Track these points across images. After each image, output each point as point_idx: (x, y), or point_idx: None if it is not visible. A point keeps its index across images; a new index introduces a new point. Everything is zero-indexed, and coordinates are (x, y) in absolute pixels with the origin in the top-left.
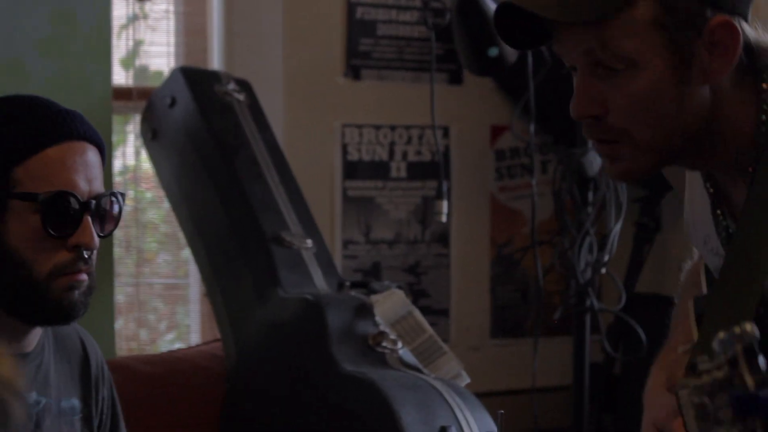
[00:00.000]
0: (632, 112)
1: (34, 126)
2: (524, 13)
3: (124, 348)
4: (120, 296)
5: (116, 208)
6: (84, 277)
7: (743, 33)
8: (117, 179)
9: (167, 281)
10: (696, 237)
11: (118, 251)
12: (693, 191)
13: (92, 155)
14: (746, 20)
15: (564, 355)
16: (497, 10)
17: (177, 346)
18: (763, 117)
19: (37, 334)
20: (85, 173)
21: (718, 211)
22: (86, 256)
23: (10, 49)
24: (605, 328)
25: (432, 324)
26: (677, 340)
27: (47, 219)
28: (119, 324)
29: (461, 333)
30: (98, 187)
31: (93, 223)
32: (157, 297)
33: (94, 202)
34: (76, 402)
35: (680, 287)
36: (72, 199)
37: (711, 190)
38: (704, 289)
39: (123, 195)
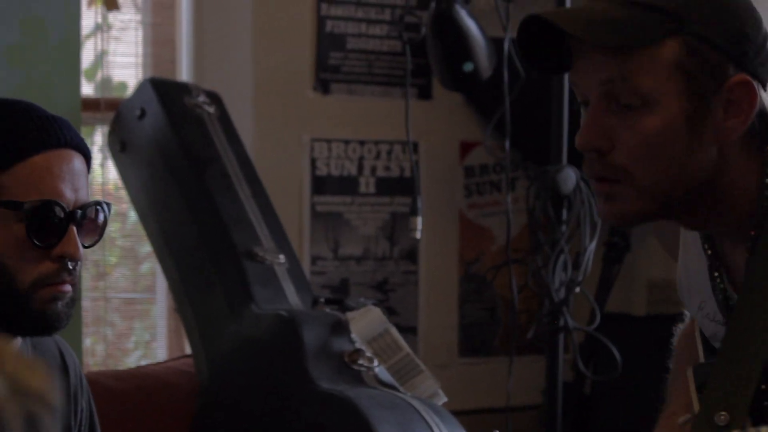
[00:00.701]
0: (639, 151)
1: (20, 132)
2: (548, 34)
3: (84, 363)
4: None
5: (101, 218)
6: (68, 288)
7: (760, 99)
8: None
9: (126, 296)
10: (691, 302)
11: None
12: (688, 254)
13: (79, 164)
14: (764, 87)
15: (535, 374)
16: (523, 23)
17: (144, 362)
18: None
19: (15, 344)
20: (72, 182)
21: (716, 274)
22: (71, 267)
23: None
24: (577, 348)
25: None
26: (676, 406)
27: (32, 228)
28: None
29: (429, 351)
30: (84, 196)
31: (78, 234)
32: (115, 311)
33: (80, 212)
34: None
35: (674, 350)
36: (57, 209)
37: (709, 252)
38: (701, 355)
39: (109, 205)
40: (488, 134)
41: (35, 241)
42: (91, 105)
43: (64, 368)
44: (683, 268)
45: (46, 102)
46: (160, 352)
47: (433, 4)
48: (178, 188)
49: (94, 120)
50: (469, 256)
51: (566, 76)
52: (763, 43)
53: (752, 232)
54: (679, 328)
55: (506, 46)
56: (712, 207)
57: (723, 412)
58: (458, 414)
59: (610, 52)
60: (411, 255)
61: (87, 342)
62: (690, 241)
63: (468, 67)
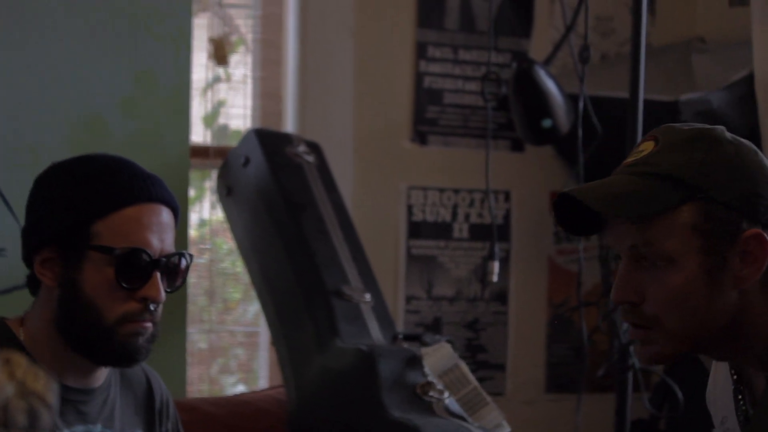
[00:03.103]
0: (666, 303)
1: (118, 185)
2: (581, 204)
3: (206, 391)
4: (202, 344)
5: (183, 265)
6: (149, 325)
7: None
8: (196, 232)
9: (248, 329)
10: (715, 415)
11: (202, 300)
12: (718, 373)
13: (166, 217)
14: None
15: (610, 411)
16: (557, 200)
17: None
18: None
19: (104, 372)
20: (159, 233)
21: (740, 396)
22: (152, 309)
23: (93, 107)
24: (652, 386)
25: (489, 378)
26: None
27: (121, 272)
28: (201, 369)
29: (517, 387)
30: (169, 246)
31: (161, 279)
32: (239, 345)
33: (164, 260)
34: None
35: None
36: (144, 256)
37: (735, 377)
38: None
39: (191, 255)
40: (570, 186)
41: (123, 284)
42: (201, 152)
43: (150, 392)
44: (713, 382)
45: (158, 149)
46: (262, 382)
47: (514, 64)
48: (276, 231)
49: (204, 165)
50: (557, 298)
51: (640, 127)
52: None
53: None
54: None
55: (581, 103)
56: (736, 342)
57: None
58: None
59: (632, 222)
60: (501, 296)
61: (213, 371)
62: (720, 362)
63: (547, 123)
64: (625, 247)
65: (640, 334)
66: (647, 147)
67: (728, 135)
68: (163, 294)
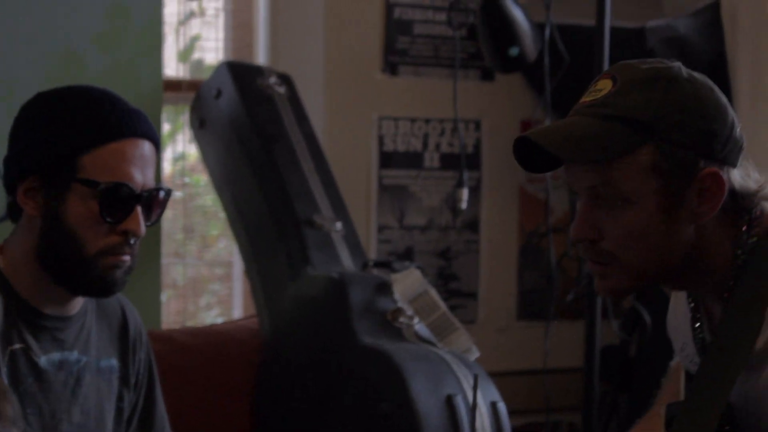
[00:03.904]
0: (623, 241)
1: (104, 119)
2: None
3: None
4: (180, 278)
5: (162, 201)
6: (127, 258)
7: (729, 180)
8: (172, 167)
9: (225, 264)
10: (675, 342)
11: (179, 235)
12: (677, 302)
13: (149, 151)
14: (734, 165)
15: (580, 338)
16: (516, 143)
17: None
18: (739, 251)
19: (80, 300)
20: (142, 167)
21: (697, 325)
22: (132, 242)
23: (68, 43)
24: (622, 312)
25: (461, 306)
26: (657, 411)
27: (104, 205)
28: (179, 304)
29: (489, 315)
30: (150, 180)
31: (142, 213)
32: (216, 280)
33: (145, 194)
34: (114, 362)
35: (668, 374)
36: (127, 190)
37: (692, 305)
38: (682, 392)
39: (170, 190)
40: (539, 112)
41: (106, 218)
42: (174, 86)
43: (124, 322)
44: (672, 310)
45: (132, 83)
46: (236, 312)
47: None
48: (248, 162)
49: (178, 99)
50: (529, 227)
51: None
52: (729, 133)
53: (726, 294)
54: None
55: (547, 31)
56: (692, 275)
57: None
58: (515, 374)
59: (590, 164)
60: (472, 225)
61: (191, 306)
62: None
63: (514, 51)
64: (583, 187)
65: (598, 269)
66: (605, 86)
67: (685, 73)
68: (143, 228)
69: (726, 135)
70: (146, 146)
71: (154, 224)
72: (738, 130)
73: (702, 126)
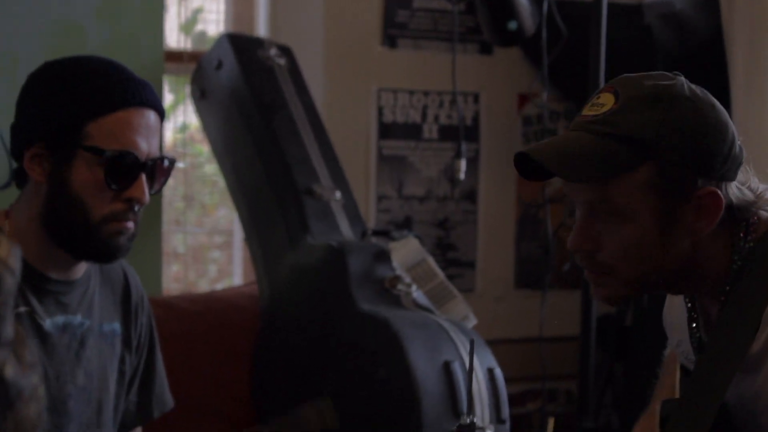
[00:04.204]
0: (620, 254)
1: (110, 88)
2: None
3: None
4: (180, 247)
5: (166, 170)
6: (131, 225)
7: (727, 196)
8: (175, 136)
9: (225, 232)
10: (671, 338)
11: (179, 204)
12: (673, 298)
13: (155, 121)
14: (733, 180)
15: (577, 307)
16: (516, 156)
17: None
18: (736, 257)
19: (84, 265)
20: (147, 136)
21: (694, 325)
22: (136, 209)
23: (70, 14)
24: None
25: (459, 275)
26: (654, 409)
27: (110, 173)
28: (176, 269)
29: (486, 284)
30: (155, 149)
31: (146, 181)
32: (216, 248)
33: (150, 162)
34: (117, 326)
35: (663, 364)
36: (133, 158)
37: (689, 305)
38: (677, 385)
39: (173, 159)
40: (536, 86)
41: (111, 185)
42: (176, 57)
43: (127, 287)
44: (668, 306)
45: (133, 54)
46: (237, 279)
47: None
48: (248, 132)
49: (179, 70)
50: (527, 198)
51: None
52: (729, 151)
53: (723, 297)
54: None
55: (545, 6)
56: (689, 282)
57: None
58: (512, 341)
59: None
60: (471, 196)
61: (191, 274)
62: None
63: (512, 25)
64: (582, 201)
65: (595, 278)
66: (607, 101)
67: (687, 90)
68: (147, 195)
69: (725, 153)
70: (152, 116)
71: (158, 192)
72: (738, 145)
73: (701, 145)
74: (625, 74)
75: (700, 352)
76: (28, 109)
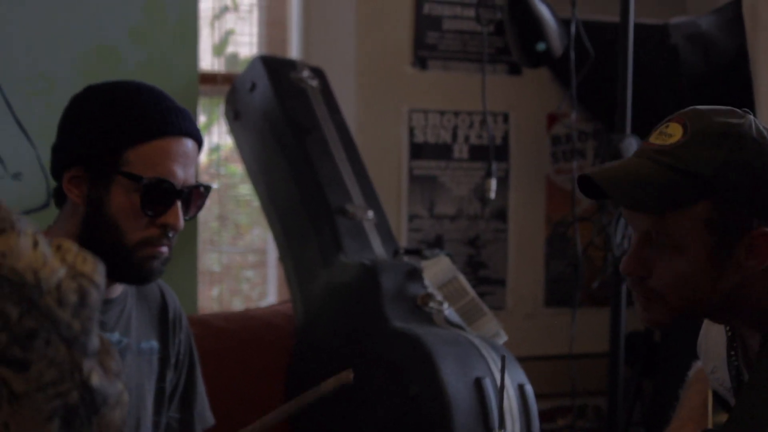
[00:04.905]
0: (670, 284)
1: (151, 116)
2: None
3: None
4: (215, 266)
5: (202, 197)
6: (165, 250)
7: None
8: (208, 158)
9: (258, 252)
10: (705, 365)
11: (214, 224)
12: (710, 325)
13: (192, 150)
14: None
15: (606, 324)
16: (580, 179)
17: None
18: None
19: (120, 285)
20: (184, 165)
21: (732, 353)
22: (171, 235)
23: (104, 36)
24: None
25: (490, 293)
26: (677, 425)
27: (146, 199)
28: (215, 292)
29: (517, 301)
30: (191, 177)
31: (182, 208)
32: (249, 267)
33: (186, 190)
34: (154, 343)
35: (686, 385)
36: (168, 186)
37: (729, 333)
38: (710, 405)
39: (209, 187)
40: (564, 106)
41: (147, 211)
42: (210, 79)
43: (164, 306)
44: (705, 331)
45: (167, 76)
46: (271, 299)
47: None
48: (281, 152)
49: (214, 92)
50: (556, 217)
51: (630, 50)
52: None
53: (767, 331)
54: (697, 364)
55: (573, 27)
56: (734, 312)
57: None
58: (542, 359)
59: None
60: (501, 215)
61: (225, 295)
62: None
63: (541, 46)
64: (639, 229)
65: (643, 301)
66: (675, 132)
67: (754, 131)
68: (182, 222)
69: None
70: (189, 144)
71: (193, 218)
72: None
73: (761, 187)
74: (697, 107)
75: (738, 381)
76: (69, 132)
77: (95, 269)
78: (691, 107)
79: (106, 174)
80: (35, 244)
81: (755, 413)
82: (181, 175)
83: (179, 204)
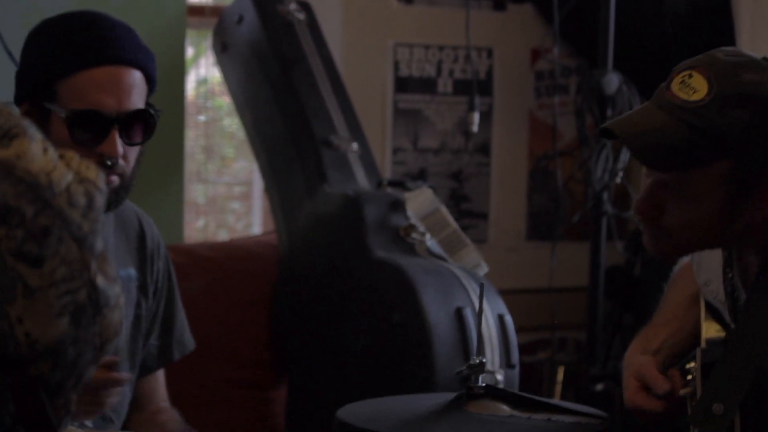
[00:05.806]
0: (682, 226)
1: (79, 47)
2: None
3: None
4: (200, 197)
5: (148, 121)
6: (115, 178)
7: None
8: (195, 91)
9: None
10: (698, 275)
11: (200, 156)
12: None
13: (131, 78)
14: None
15: (586, 258)
16: (601, 130)
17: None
18: None
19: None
20: (117, 94)
21: (728, 269)
22: (109, 164)
23: None
24: (627, 233)
25: (473, 226)
26: (660, 320)
27: (74, 131)
28: (200, 223)
29: (499, 235)
30: (130, 104)
31: (121, 135)
32: (235, 198)
33: (122, 117)
34: (132, 272)
35: (670, 281)
36: (96, 116)
37: (726, 252)
38: (702, 310)
39: (155, 111)
40: (546, 42)
41: (77, 142)
42: (197, 11)
43: (142, 234)
44: None
45: (155, 8)
46: (256, 229)
47: None
48: (268, 84)
49: (201, 24)
50: (538, 151)
51: None
52: None
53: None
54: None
55: None
56: (741, 241)
57: (719, 404)
58: (523, 291)
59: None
60: (484, 148)
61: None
62: None
63: None
64: (654, 174)
65: (651, 234)
66: (700, 87)
67: None
68: (120, 149)
69: None
70: (128, 73)
71: (144, 143)
72: None
73: None
74: (720, 52)
75: (733, 298)
76: (20, 66)
77: (98, 176)
78: (714, 52)
79: (44, 108)
80: (45, 150)
81: (756, 332)
82: (113, 104)
83: (116, 132)
